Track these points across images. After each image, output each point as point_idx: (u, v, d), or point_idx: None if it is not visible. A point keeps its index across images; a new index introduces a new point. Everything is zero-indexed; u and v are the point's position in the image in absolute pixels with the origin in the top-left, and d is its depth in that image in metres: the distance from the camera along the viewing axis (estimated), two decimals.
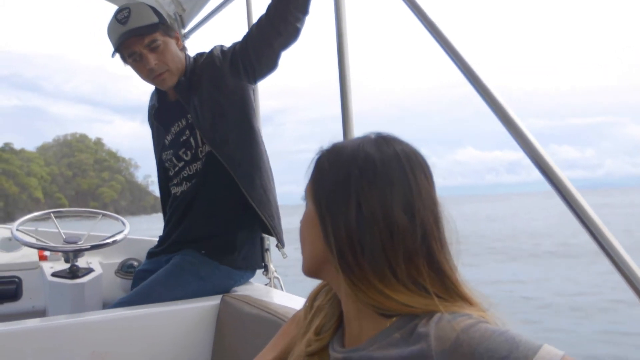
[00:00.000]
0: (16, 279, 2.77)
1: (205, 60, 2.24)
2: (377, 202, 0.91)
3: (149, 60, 2.14)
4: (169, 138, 2.34)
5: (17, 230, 2.64)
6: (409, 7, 1.42)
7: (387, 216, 0.90)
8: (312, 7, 2.01)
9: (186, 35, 3.10)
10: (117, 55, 2.21)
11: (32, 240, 2.68)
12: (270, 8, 2.02)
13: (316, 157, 1.01)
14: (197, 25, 3.04)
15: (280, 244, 2.28)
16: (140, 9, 2.16)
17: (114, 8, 2.20)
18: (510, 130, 1.16)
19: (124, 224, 2.80)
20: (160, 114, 2.39)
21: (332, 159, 0.98)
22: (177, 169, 2.31)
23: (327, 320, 1.06)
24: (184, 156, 2.27)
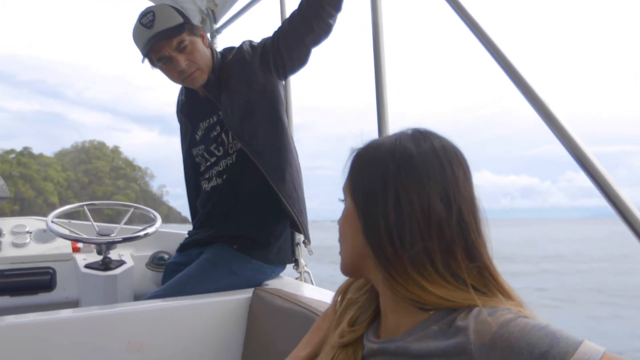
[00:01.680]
0: (50, 270, 2.82)
1: (235, 56, 2.24)
2: (415, 194, 0.91)
3: (179, 61, 2.12)
4: (199, 134, 2.35)
5: (51, 222, 2.68)
6: (453, 8, 1.39)
7: (425, 207, 0.90)
8: (345, 4, 2.00)
9: (218, 30, 3.12)
10: (146, 60, 2.19)
11: (66, 232, 2.72)
12: (302, 4, 2.02)
13: (353, 155, 1.02)
14: (229, 20, 3.06)
15: (307, 240, 2.29)
16: (164, 10, 2.15)
17: (134, 16, 2.18)
18: (569, 149, 1.13)
19: (155, 217, 2.83)
20: (190, 110, 2.40)
21: (370, 155, 0.99)
22: (209, 164, 2.32)
23: (361, 312, 1.06)
24: (216, 152, 2.28)
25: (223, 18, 3.09)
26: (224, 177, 2.26)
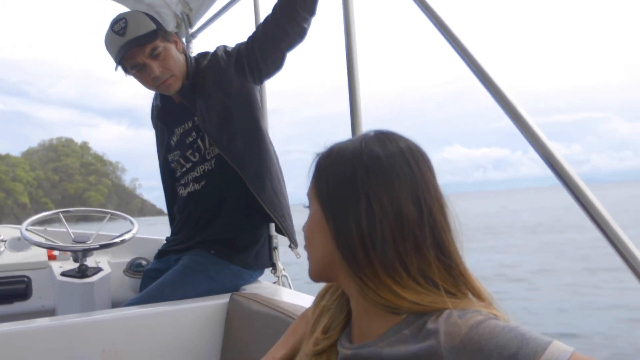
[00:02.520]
0: (26, 279, 2.78)
1: (209, 61, 2.24)
2: (386, 197, 0.91)
3: (153, 68, 2.10)
4: (174, 139, 2.34)
5: (26, 230, 2.65)
6: (416, 2, 1.42)
7: (396, 209, 0.91)
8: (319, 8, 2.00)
9: (193, 35, 3.11)
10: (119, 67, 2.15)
11: (41, 240, 2.69)
12: (276, 8, 2.01)
13: (316, 160, 1.02)
14: (204, 24, 3.05)
15: (293, 244, 2.27)
16: (136, 17, 2.13)
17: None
18: (519, 126, 1.17)
19: (132, 223, 2.81)
20: (164, 116, 2.39)
21: (334, 159, 0.99)
22: (184, 169, 2.31)
23: (334, 319, 1.07)
24: (192, 157, 2.27)
25: (198, 22, 3.08)
26: (202, 183, 2.25)
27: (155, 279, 2.21)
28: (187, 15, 3.08)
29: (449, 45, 1.34)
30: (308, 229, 1.01)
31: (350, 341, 1.01)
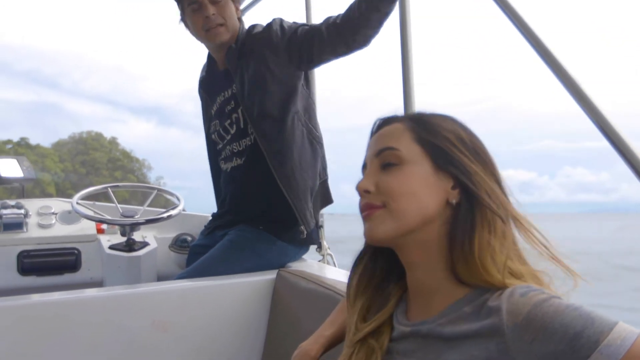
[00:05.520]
0: (75, 251, 2.85)
1: (262, 33, 2.22)
2: (486, 157, 0.96)
3: (208, 8, 2.12)
4: (214, 108, 2.34)
5: (77, 203, 2.70)
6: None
7: (493, 171, 0.95)
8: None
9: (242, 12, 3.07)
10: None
11: (91, 214, 2.74)
12: (343, 20, 1.99)
13: (413, 114, 1.02)
14: (250, 3, 3.01)
15: (305, 227, 2.16)
16: None
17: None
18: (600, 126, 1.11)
19: (178, 199, 2.83)
20: (208, 84, 2.40)
21: (439, 116, 0.99)
22: (225, 141, 2.30)
23: (380, 300, 1.03)
24: (230, 129, 2.26)
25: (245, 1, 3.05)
26: (244, 158, 2.24)
27: (202, 254, 2.22)
28: None
29: (532, 51, 1.26)
30: (405, 184, 0.92)
31: (407, 318, 0.98)
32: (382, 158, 0.95)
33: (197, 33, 2.22)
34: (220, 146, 2.34)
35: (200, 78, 2.48)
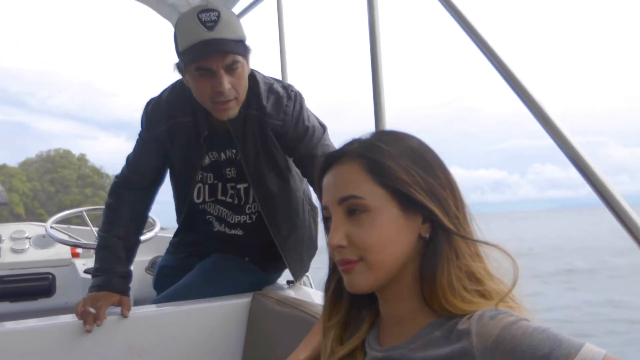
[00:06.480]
0: (50, 275, 2.82)
1: (276, 118, 1.93)
2: (443, 175, 0.97)
3: (223, 82, 1.72)
4: (207, 159, 2.04)
5: (50, 227, 2.69)
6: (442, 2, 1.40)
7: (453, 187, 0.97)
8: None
9: None
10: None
11: (65, 238, 2.72)
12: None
13: (361, 156, 0.95)
14: (250, 4, 2.96)
15: (294, 277, 2.18)
16: (230, 17, 1.77)
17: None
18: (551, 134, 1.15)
19: (154, 222, 2.83)
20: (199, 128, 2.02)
21: (389, 139, 0.99)
22: (218, 202, 2.13)
23: (353, 325, 1.05)
24: (229, 199, 2.11)
25: None
26: (237, 229, 2.15)
27: (171, 276, 2.19)
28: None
29: (476, 50, 1.31)
30: (378, 235, 0.91)
31: (379, 343, 0.99)
32: (346, 206, 0.93)
33: (201, 99, 1.83)
34: (207, 198, 2.13)
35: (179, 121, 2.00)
